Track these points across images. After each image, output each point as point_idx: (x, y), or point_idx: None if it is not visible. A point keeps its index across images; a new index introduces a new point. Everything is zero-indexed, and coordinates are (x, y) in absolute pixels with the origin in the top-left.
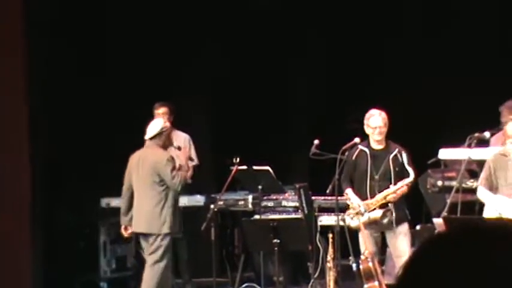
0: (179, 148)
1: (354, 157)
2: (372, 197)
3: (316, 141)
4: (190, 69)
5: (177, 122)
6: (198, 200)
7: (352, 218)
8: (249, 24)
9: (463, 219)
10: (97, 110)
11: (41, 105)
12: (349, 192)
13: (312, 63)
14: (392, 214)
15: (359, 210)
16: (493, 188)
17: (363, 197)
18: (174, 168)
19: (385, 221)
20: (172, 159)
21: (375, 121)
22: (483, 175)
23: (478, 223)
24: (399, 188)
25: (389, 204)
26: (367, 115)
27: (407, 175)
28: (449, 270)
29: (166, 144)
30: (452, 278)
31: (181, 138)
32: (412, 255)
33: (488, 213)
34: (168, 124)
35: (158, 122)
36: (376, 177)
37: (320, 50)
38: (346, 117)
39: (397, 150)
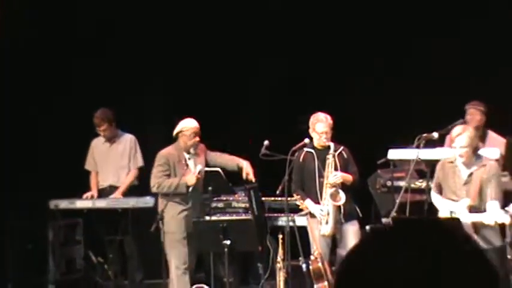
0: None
1: (301, 159)
2: (322, 196)
3: (266, 142)
4: (144, 73)
5: (131, 123)
6: (148, 201)
7: (326, 223)
8: (204, 28)
9: (412, 219)
10: (45, 112)
11: None
12: (308, 203)
13: (268, 64)
14: (339, 193)
15: (326, 214)
16: (442, 193)
17: (314, 197)
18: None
19: (336, 198)
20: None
21: (321, 127)
22: (434, 181)
23: (414, 221)
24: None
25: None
26: (313, 119)
27: (352, 172)
28: (386, 266)
29: (182, 146)
30: (388, 273)
31: (126, 139)
32: (349, 251)
33: (442, 214)
34: (186, 127)
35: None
36: (325, 176)
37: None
38: (297, 117)
39: (341, 148)
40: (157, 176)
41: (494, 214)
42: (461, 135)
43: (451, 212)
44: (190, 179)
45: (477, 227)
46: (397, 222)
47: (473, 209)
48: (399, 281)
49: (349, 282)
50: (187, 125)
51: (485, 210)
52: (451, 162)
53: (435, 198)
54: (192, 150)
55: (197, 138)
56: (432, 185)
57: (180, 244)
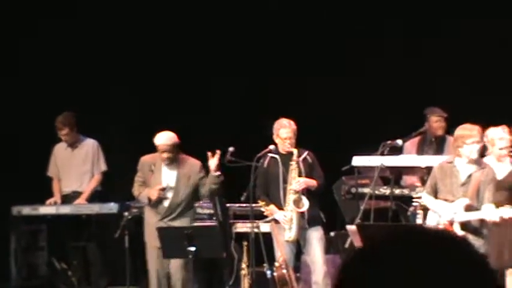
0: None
1: (265, 165)
2: (286, 201)
3: (231, 149)
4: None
5: (93, 128)
6: (111, 207)
7: (290, 229)
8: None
9: (376, 226)
10: (6, 117)
11: None
12: (272, 209)
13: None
14: (301, 199)
15: (289, 219)
16: (436, 195)
17: (278, 203)
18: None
19: (299, 204)
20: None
21: (285, 133)
22: (428, 182)
23: (405, 233)
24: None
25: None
26: (277, 125)
27: (317, 176)
28: (377, 281)
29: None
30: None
31: (88, 144)
32: (340, 267)
33: (430, 220)
34: (156, 142)
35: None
36: (288, 181)
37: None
38: (262, 123)
39: (306, 153)
40: (135, 181)
41: (498, 210)
42: (472, 133)
43: (447, 214)
44: (153, 193)
45: (472, 227)
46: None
47: (469, 210)
48: None
49: None
50: (156, 141)
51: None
52: (450, 162)
53: (428, 200)
54: (164, 164)
55: (164, 155)
56: (426, 186)
57: (154, 252)
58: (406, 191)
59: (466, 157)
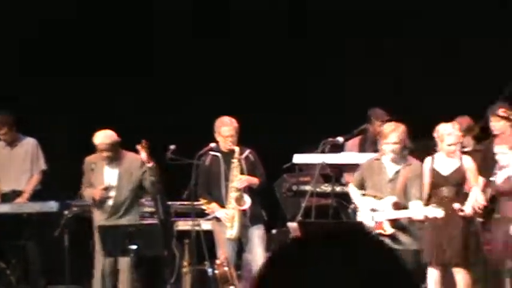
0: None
1: (207, 163)
2: (228, 199)
3: (172, 147)
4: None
5: (33, 128)
6: (52, 206)
7: (232, 227)
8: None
9: (317, 223)
10: None
11: None
12: (214, 207)
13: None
14: (243, 197)
15: (231, 217)
16: (362, 189)
17: (220, 201)
18: None
19: (241, 202)
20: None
21: (227, 130)
22: (356, 175)
23: (329, 228)
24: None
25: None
26: (218, 123)
27: (258, 174)
28: (301, 274)
29: None
30: (303, 280)
31: (27, 143)
32: (266, 259)
33: (362, 217)
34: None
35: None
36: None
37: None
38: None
39: (248, 151)
40: (82, 182)
41: (424, 209)
42: (394, 131)
43: (373, 210)
44: (96, 193)
45: (400, 225)
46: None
47: (397, 207)
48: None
49: None
50: (94, 140)
51: (407, 209)
52: (378, 159)
53: (354, 193)
54: (105, 163)
55: (104, 154)
56: (353, 179)
57: (100, 251)
58: (346, 189)
59: (389, 154)
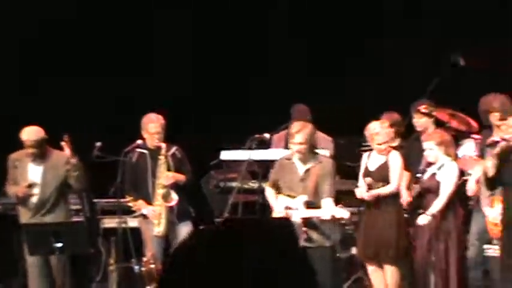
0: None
1: (134, 159)
2: (155, 196)
3: (98, 144)
4: None
5: None
6: None
7: (159, 224)
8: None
9: (244, 219)
10: None
11: None
12: (141, 204)
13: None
14: (170, 193)
15: (158, 214)
16: (278, 190)
17: (147, 198)
18: None
19: (168, 198)
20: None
21: (154, 127)
22: (270, 176)
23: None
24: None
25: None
26: (145, 120)
27: (185, 171)
28: (205, 265)
29: None
30: (207, 271)
31: None
32: (173, 251)
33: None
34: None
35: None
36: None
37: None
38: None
39: (174, 148)
40: (7, 180)
41: (331, 209)
42: (300, 131)
43: (287, 208)
44: (19, 190)
45: (313, 223)
46: (224, 222)
47: (310, 205)
48: (221, 278)
49: (173, 278)
50: (22, 136)
51: (320, 207)
52: (289, 159)
53: (269, 195)
54: (30, 160)
55: (30, 151)
56: (268, 182)
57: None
58: None
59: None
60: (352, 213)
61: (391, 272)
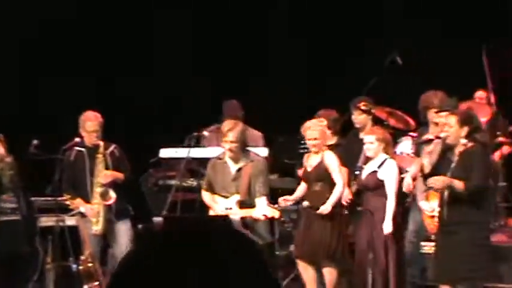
0: None
1: (71, 158)
2: (93, 195)
3: (34, 142)
4: None
5: None
6: None
7: (97, 222)
8: None
9: (182, 217)
10: None
11: None
12: (78, 202)
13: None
14: (108, 192)
15: (96, 212)
16: (213, 191)
17: (85, 196)
18: None
19: (106, 197)
20: None
21: (92, 126)
22: (205, 180)
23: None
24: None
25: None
26: (84, 117)
27: (124, 169)
28: (158, 268)
29: None
30: (161, 273)
31: None
32: (127, 253)
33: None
34: None
35: None
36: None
37: None
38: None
39: (113, 146)
40: None
41: (263, 209)
42: (232, 130)
43: (226, 208)
44: None
45: (247, 222)
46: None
47: (243, 205)
48: (172, 280)
49: (123, 283)
50: None
51: (255, 206)
52: (220, 159)
53: (205, 196)
54: None
55: None
56: (203, 184)
57: None
58: None
59: (228, 153)
60: (290, 211)
61: (327, 272)
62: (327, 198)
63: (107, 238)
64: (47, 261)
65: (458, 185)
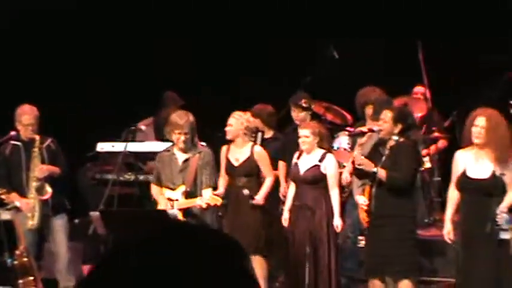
0: None
1: (7, 152)
2: (29, 189)
3: None
4: None
5: None
6: None
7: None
8: None
9: (119, 211)
10: None
11: None
12: (14, 197)
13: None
14: (45, 186)
15: (32, 207)
16: (161, 184)
17: (21, 190)
18: None
19: (42, 191)
20: None
21: (27, 119)
22: (154, 174)
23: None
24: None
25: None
26: (19, 111)
27: (60, 164)
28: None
29: None
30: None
31: None
32: (101, 258)
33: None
34: None
35: None
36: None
37: None
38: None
39: (49, 140)
40: None
41: (206, 198)
42: (188, 121)
43: (171, 200)
44: None
45: (193, 212)
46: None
47: (189, 196)
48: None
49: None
50: None
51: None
52: (168, 151)
53: (153, 190)
54: None
55: None
56: (152, 177)
57: None
58: (150, 177)
59: (179, 144)
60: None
61: (258, 263)
62: (255, 192)
63: (43, 233)
64: None
65: (381, 173)
